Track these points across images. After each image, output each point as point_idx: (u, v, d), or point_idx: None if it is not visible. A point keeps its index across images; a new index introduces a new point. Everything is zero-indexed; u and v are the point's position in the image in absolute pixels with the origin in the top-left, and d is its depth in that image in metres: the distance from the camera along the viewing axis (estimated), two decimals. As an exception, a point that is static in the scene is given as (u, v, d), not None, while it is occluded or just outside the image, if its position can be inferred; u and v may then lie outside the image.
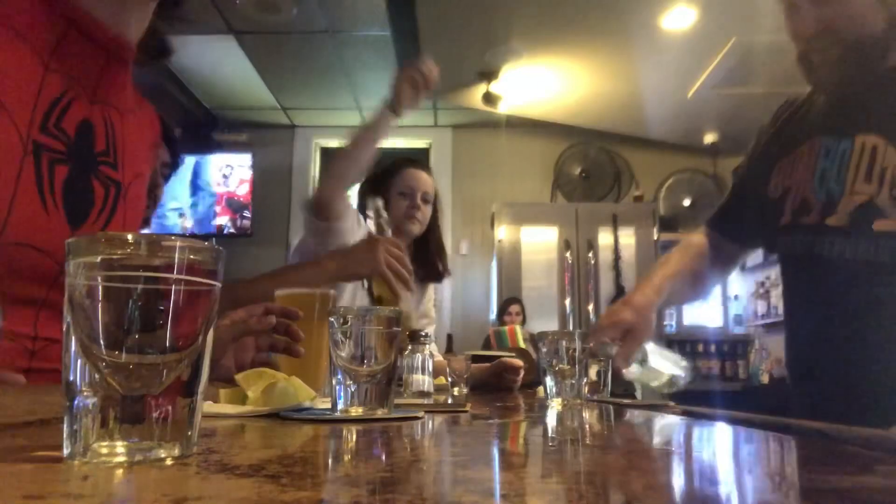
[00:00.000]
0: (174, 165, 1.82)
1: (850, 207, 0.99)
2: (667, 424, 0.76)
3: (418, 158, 2.10)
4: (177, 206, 4.79)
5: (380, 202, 1.54)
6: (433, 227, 1.97)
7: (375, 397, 0.67)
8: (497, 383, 1.77)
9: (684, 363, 1.26)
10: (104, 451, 0.33)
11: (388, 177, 1.95)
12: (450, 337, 3.00)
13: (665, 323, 4.43)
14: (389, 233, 1.53)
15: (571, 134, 4.87)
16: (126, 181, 0.97)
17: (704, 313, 4.88)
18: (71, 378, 0.34)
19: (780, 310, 4.25)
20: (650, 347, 1.18)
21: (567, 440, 0.60)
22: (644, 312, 1.17)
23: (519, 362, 1.81)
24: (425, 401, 1.04)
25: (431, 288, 2.04)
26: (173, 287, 0.35)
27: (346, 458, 0.43)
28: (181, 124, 4.88)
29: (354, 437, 0.53)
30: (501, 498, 0.28)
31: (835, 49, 1.00)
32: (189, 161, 4.75)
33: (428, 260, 1.95)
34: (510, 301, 4.00)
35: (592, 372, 1.17)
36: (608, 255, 4.26)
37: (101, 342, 0.34)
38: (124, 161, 0.96)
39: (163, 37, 1.01)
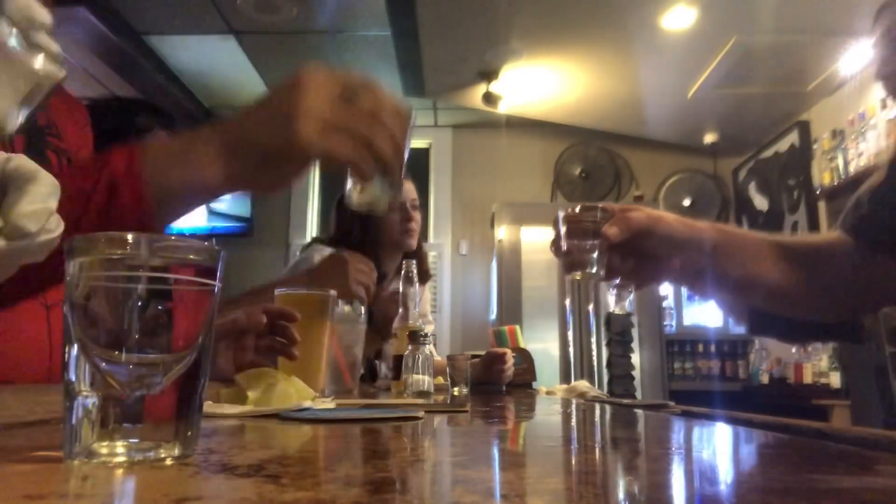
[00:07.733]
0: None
1: None
2: (666, 424, 0.76)
3: None
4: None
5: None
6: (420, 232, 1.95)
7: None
8: (487, 377, 1.76)
9: None
10: (104, 451, 0.33)
11: None
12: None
13: (665, 323, 4.42)
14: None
15: (571, 134, 4.86)
16: (73, 149, 1.01)
17: (704, 313, 4.87)
18: (71, 378, 0.34)
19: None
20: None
21: (567, 440, 0.60)
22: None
23: (506, 351, 1.80)
24: (425, 401, 1.04)
25: (427, 289, 2.03)
26: (173, 287, 0.35)
27: (346, 458, 0.43)
28: (181, 124, 4.88)
29: (354, 437, 0.53)
30: (501, 498, 0.28)
31: None
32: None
33: (419, 265, 1.88)
34: None
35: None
36: (608, 255, 4.26)
37: (102, 342, 0.34)
38: (65, 134, 1.01)
39: None
